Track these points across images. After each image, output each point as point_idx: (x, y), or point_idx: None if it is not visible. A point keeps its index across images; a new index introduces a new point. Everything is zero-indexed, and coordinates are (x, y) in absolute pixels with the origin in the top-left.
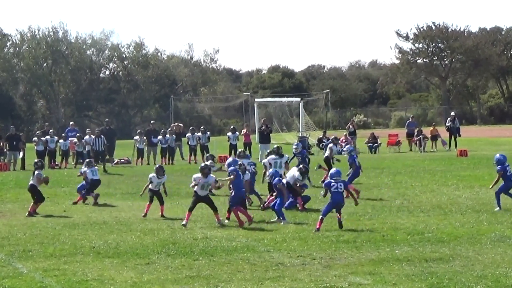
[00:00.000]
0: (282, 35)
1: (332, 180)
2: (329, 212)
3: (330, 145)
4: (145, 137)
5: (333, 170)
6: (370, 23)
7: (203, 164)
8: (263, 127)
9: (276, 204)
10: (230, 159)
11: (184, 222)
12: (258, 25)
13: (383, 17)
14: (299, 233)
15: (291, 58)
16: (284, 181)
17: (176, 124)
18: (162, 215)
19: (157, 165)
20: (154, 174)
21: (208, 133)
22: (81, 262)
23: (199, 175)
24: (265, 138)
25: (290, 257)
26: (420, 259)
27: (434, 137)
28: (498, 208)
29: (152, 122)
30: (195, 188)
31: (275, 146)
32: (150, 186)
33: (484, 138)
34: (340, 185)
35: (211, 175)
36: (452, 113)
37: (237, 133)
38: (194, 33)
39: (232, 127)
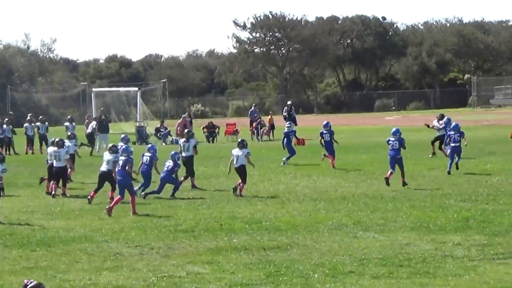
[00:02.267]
0: (119, 24)
1: None
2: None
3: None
4: None
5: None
6: (207, 12)
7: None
8: (102, 117)
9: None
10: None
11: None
12: (94, 14)
13: (220, 6)
14: (137, 222)
15: (128, 47)
16: None
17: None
18: None
19: None
20: None
21: (47, 123)
22: None
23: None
24: (104, 128)
25: (128, 247)
26: (258, 247)
27: (272, 126)
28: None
29: None
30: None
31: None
32: None
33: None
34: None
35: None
36: (289, 102)
37: (74, 123)
38: (31, 22)
39: (69, 117)
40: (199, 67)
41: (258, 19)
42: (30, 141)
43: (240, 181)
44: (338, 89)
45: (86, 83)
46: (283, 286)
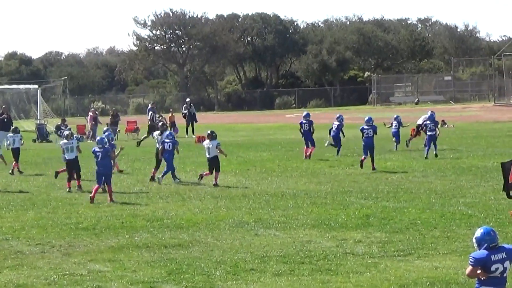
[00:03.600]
0: (18, 21)
1: None
2: None
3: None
4: None
5: None
6: (108, 9)
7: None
8: (4, 115)
9: None
10: None
11: None
12: None
13: (121, 3)
14: (38, 220)
15: (28, 44)
16: None
17: None
18: None
19: None
20: None
21: None
22: None
23: None
24: (5, 126)
25: (29, 245)
26: (160, 245)
27: (173, 123)
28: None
29: None
30: None
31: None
32: None
33: (222, 124)
34: None
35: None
36: (188, 99)
37: None
38: None
39: None
40: (99, 64)
41: (159, 16)
42: None
43: (206, 171)
44: (239, 86)
45: None
46: (184, 284)
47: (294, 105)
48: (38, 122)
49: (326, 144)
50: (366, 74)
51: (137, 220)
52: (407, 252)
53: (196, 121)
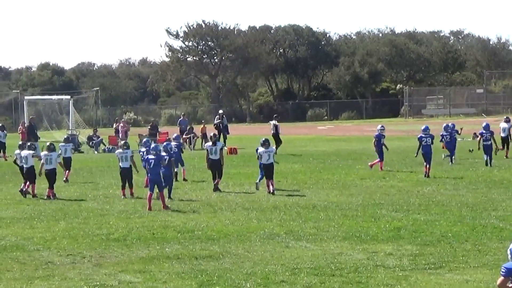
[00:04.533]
0: (51, 32)
1: None
2: None
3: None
4: None
5: None
6: (140, 20)
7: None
8: (32, 124)
9: None
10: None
11: None
12: (27, 21)
13: (153, 14)
14: (69, 231)
15: (61, 55)
16: None
17: None
18: None
19: None
20: None
21: None
22: None
23: None
24: (35, 136)
25: (60, 255)
26: (190, 256)
27: (205, 135)
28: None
29: None
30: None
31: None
32: None
33: (254, 136)
34: None
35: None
36: (220, 111)
37: (6, 131)
38: None
39: (1, 124)
40: (131, 75)
41: (191, 27)
42: None
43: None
44: (271, 98)
45: (18, 91)
46: None
47: (326, 117)
48: (70, 133)
49: (443, 157)
50: (398, 86)
51: (168, 232)
52: (438, 265)
53: (228, 133)
